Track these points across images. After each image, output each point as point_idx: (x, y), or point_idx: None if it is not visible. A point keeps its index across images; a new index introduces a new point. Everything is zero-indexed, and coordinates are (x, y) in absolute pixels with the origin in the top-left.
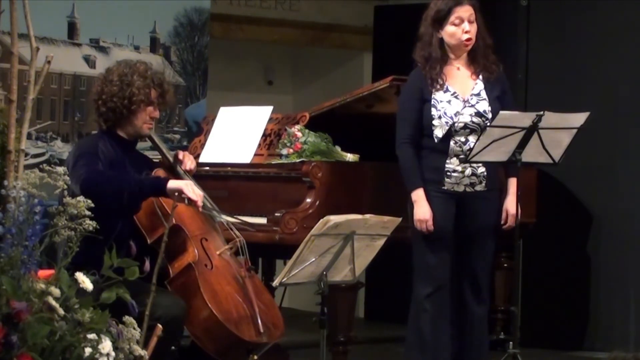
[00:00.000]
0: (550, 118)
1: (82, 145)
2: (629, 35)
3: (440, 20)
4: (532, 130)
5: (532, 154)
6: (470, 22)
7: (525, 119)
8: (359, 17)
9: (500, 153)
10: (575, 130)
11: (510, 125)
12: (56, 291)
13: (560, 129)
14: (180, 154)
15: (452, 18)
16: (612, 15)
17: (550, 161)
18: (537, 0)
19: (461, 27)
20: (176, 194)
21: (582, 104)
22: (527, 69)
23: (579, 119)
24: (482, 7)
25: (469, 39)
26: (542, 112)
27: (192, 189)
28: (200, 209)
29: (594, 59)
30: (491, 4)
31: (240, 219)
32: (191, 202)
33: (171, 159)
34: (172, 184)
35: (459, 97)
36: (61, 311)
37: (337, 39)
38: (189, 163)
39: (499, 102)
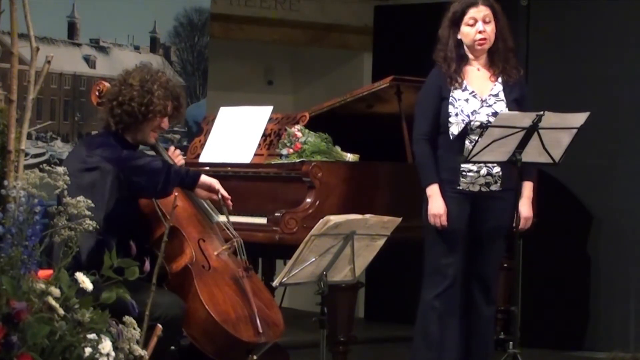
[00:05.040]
0: (550, 118)
1: (96, 138)
2: (629, 35)
3: (456, 21)
4: (532, 130)
5: (532, 154)
6: (485, 22)
7: (525, 119)
8: (359, 17)
9: (500, 153)
10: (575, 130)
11: (510, 125)
12: (56, 291)
13: (560, 129)
14: (171, 151)
15: (467, 19)
16: (612, 15)
17: (551, 161)
18: (537, 0)
19: (475, 28)
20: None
21: (582, 104)
22: (527, 69)
23: (579, 119)
24: None
25: (482, 39)
26: (542, 112)
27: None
28: (230, 208)
29: (594, 59)
30: None
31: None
32: (224, 200)
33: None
34: (205, 178)
35: (477, 96)
36: (61, 311)
37: (337, 39)
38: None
39: (516, 105)
